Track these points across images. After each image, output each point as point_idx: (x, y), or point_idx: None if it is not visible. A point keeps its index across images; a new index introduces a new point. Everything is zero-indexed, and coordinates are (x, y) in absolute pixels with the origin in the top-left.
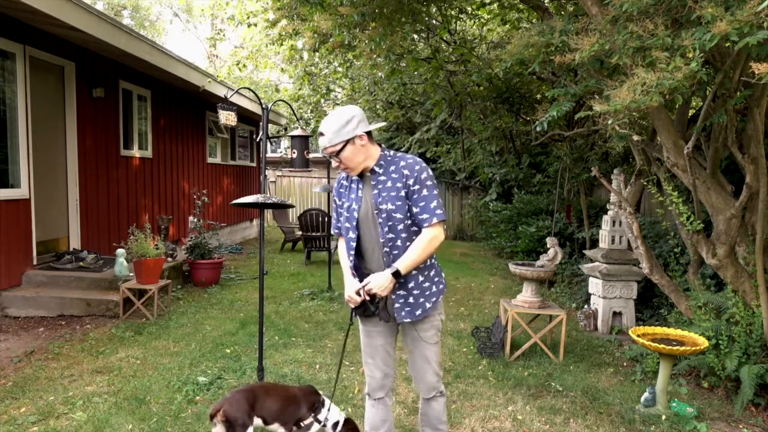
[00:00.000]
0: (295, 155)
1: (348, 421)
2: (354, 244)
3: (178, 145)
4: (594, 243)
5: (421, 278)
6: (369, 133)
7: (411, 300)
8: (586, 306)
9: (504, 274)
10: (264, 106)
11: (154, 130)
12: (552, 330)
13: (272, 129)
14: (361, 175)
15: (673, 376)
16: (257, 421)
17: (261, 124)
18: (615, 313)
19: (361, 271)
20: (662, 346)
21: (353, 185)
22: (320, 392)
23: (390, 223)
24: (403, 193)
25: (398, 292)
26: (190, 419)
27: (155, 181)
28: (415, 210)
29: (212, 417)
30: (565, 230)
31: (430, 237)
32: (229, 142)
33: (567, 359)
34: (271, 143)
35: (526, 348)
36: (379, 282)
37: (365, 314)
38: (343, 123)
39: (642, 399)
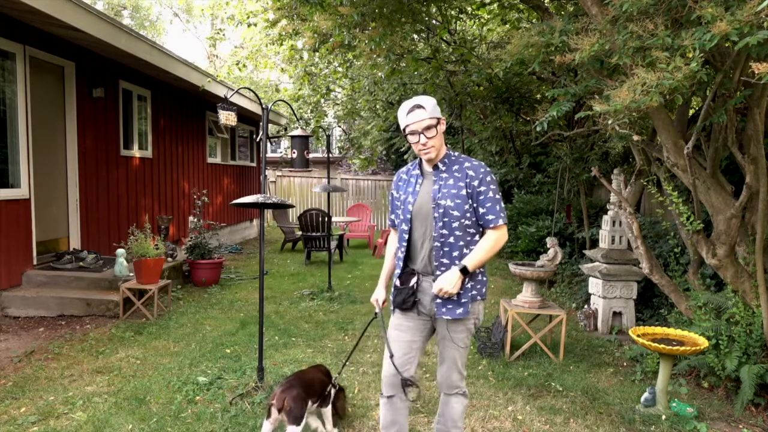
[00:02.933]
0: (295, 155)
1: (341, 388)
2: (406, 236)
3: (178, 145)
4: (594, 243)
5: (474, 278)
6: None
7: (453, 298)
8: (586, 306)
9: (504, 274)
10: (264, 106)
11: (154, 130)
12: (552, 330)
13: (272, 129)
14: (422, 172)
15: (673, 376)
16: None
17: (261, 124)
18: (615, 313)
19: (406, 265)
20: (662, 346)
21: (412, 179)
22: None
23: (445, 219)
24: (464, 192)
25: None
26: (190, 419)
27: (155, 181)
28: (481, 211)
29: (275, 408)
30: (565, 230)
31: (496, 238)
32: (229, 142)
33: (567, 359)
34: (271, 143)
35: (526, 348)
36: (449, 279)
37: (404, 306)
38: (435, 104)
39: (642, 399)
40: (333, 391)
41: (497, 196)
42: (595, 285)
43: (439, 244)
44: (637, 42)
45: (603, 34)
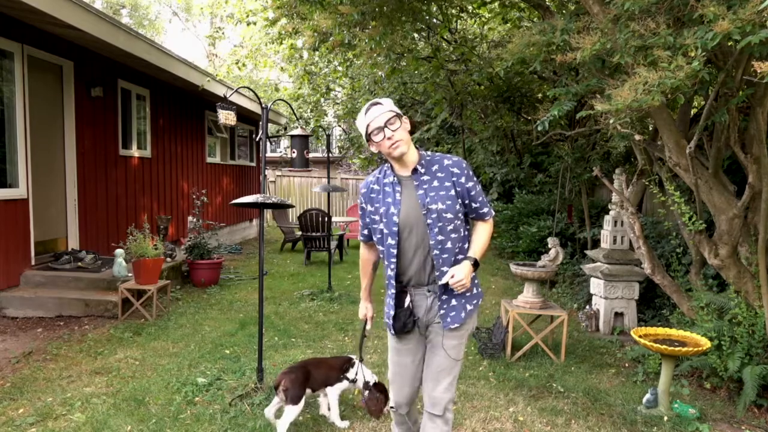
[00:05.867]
0: (294, 155)
1: (377, 384)
2: (395, 251)
3: (178, 145)
4: (595, 243)
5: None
6: None
7: (454, 302)
8: (587, 306)
9: (505, 275)
10: (263, 105)
11: (153, 129)
12: (553, 331)
13: (272, 128)
14: (398, 179)
15: (675, 377)
16: (308, 391)
17: (260, 123)
18: (617, 314)
19: (399, 280)
20: (664, 346)
21: (387, 188)
22: (352, 357)
23: (440, 224)
24: (453, 192)
25: (443, 297)
26: (189, 420)
27: (154, 181)
28: (474, 206)
29: (276, 387)
30: (567, 230)
31: (489, 228)
32: (229, 142)
33: (568, 360)
34: (270, 143)
35: (527, 349)
36: (465, 272)
37: (405, 330)
38: (393, 102)
39: (644, 400)
40: (345, 383)
41: (481, 188)
42: (596, 285)
43: (438, 252)
44: (638, 41)
45: (604, 33)
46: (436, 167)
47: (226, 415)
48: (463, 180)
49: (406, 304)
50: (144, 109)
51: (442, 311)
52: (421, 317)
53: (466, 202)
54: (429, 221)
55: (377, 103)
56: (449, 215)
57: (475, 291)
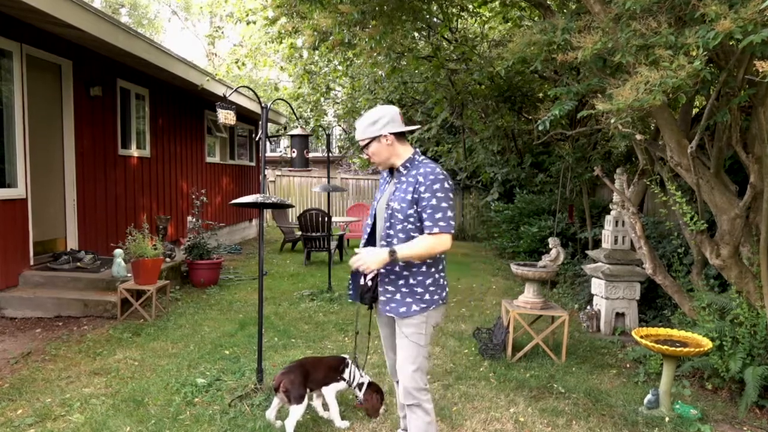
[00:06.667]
0: (294, 155)
1: (372, 384)
2: (368, 230)
3: (177, 145)
4: (596, 243)
5: (412, 281)
6: (402, 135)
7: (398, 296)
8: (588, 307)
9: (506, 275)
10: (263, 104)
11: (152, 129)
12: (554, 331)
13: (271, 128)
14: (392, 173)
15: (677, 378)
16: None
17: (260, 123)
18: (618, 314)
19: None
20: (665, 347)
21: (385, 180)
22: (346, 357)
23: (392, 220)
24: (409, 197)
25: (387, 287)
26: (189, 421)
27: (153, 181)
28: (423, 215)
29: (277, 389)
30: (568, 230)
31: (432, 242)
32: (228, 142)
33: (569, 361)
34: (270, 142)
35: (528, 349)
36: (369, 257)
37: (362, 302)
38: (371, 122)
39: (645, 401)
40: (342, 383)
41: (442, 204)
42: (597, 286)
43: (384, 243)
44: (640, 40)
45: (605, 32)
46: (414, 172)
47: (226, 415)
48: (422, 189)
49: (363, 281)
50: (143, 108)
51: (384, 297)
52: (369, 292)
53: (419, 210)
54: (385, 215)
55: (356, 128)
56: (400, 216)
57: (427, 297)
